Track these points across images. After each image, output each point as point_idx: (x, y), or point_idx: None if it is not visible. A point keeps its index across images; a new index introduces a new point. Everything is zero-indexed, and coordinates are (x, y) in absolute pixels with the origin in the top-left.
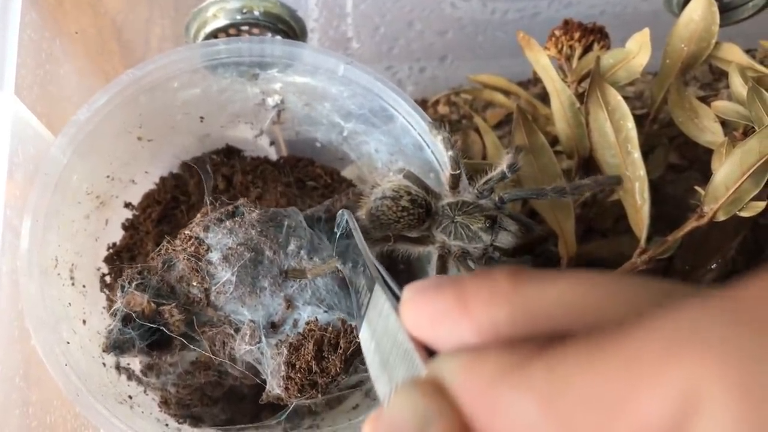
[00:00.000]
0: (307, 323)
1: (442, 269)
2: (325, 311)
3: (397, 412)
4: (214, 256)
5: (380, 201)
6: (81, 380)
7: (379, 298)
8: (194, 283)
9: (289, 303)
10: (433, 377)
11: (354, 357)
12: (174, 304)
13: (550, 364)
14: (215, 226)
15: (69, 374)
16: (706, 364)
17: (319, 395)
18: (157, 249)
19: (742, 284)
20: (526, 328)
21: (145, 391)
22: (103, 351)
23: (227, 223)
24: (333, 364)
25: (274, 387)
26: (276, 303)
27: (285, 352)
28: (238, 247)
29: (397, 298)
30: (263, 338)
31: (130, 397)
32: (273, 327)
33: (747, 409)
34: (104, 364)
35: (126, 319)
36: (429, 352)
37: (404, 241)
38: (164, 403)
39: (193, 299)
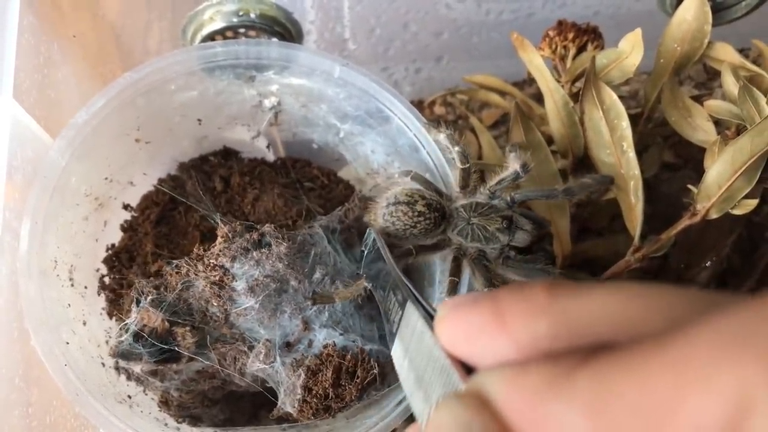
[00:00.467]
0: (325, 347)
1: (457, 270)
2: (341, 333)
3: (440, 426)
4: (239, 285)
5: (394, 207)
6: (80, 380)
7: (412, 315)
8: (214, 303)
9: (306, 325)
10: (476, 391)
11: (370, 386)
12: (188, 328)
13: (596, 374)
14: (242, 257)
15: (68, 374)
16: (757, 368)
17: (330, 417)
18: (175, 266)
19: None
20: (566, 340)
21: (144, 391)
22: (110, 355)
23: (254, 254)
24: (349, 392)
25: (287, 405)
26: (293, 324)
27: (303, 375)
28: (265, 279)
29: (429, 315)
30: (278, 357)
31: (129, 397)
32: (288, 346)
33: None
34: (103, 364)
35: (137, 336)
36: (466, 369)
37: (425, 250)
38: (164, 404)
39: (211, 317)
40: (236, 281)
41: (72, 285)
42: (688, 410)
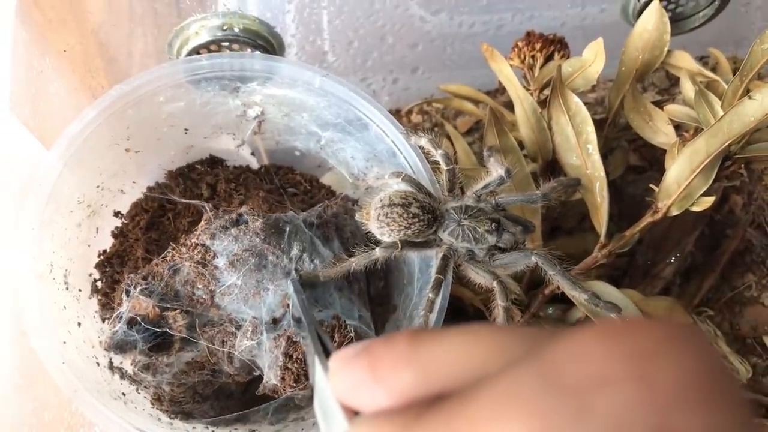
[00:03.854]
0: None
1: (444, 269)
2: (320, 310)
3: None
4: (221, 261)
5: (389, 209)
6: (77, 378)
7: (317, 366)
8: (199, 285)
9: (288, 304)
10: None
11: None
12: (178, 310)
13: (425, 428)
14: (221, 234)
15: (66, 372)
16: (526, 422)
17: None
18: (162, 256)
19: (555, 343)
20: (425, 388)
21: (137, 390)
22: (105, 349)
23: (232, 231)
24: None
25: (271, 378)
26: (277, 301)
27: (283, 344)
28: (244, 253)
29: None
30: (264, 332)
31: (124, 394)
32: (274, 322)
33: None
34: (98, 364)
35: (131, 323)
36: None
37: (411, 246)
38: (157, 401)
39: (198, 300)
40: (217, 258)
41: (67, 288)
42: None
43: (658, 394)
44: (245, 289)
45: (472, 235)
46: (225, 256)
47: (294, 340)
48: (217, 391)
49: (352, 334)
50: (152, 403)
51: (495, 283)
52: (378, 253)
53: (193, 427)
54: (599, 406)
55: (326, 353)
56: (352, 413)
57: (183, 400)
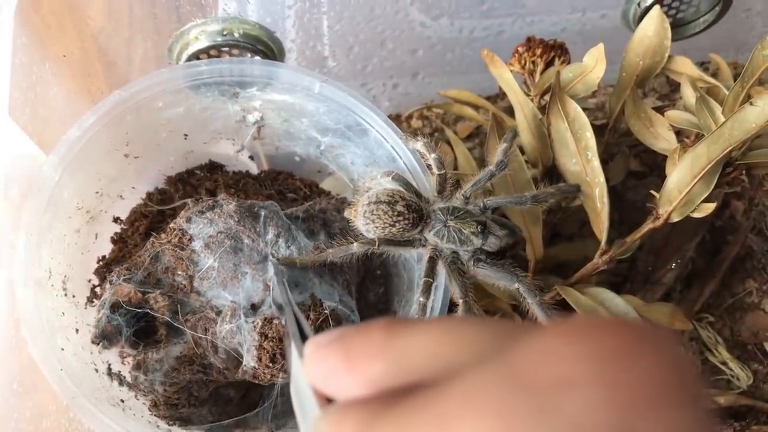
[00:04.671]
0: None
1: (431, 271)
2: (300, 293)
3: None
4: (197, 244)
5: (375, 206)
6: (75, 384)
7: (293, 350)
8: (179, 272)
9: (267, 286)
10: (315, 429)
11: (323, 326)
12: (159, 291)
13: (393, 420)
14: (197, 218)
15: (64, 379)
16: (489, 421)
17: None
18: (144, 245)
19: (522, 341)
20: (397, 379)
21: (136, 396)
22: (92, 342)
23: (207, 214)
24: None
25: (249, 361)
26: (255, 286)
27: (259, 323)
28: (219, 235)
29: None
30: (243, 316)
31: (122, 401)
32: (253, 308)
33: None
34: (96, 370)
35: (114, 307)
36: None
37: (390, 244)
38: (154, 406)
39: (178, 286)
40: (194, 241)
41: (65, 294)
42: None
43: (620, 396)
44: (223, 273)
45: (457, 236)
46: (201, 239)
47: (269, 319)
48: (215, 395)
49: (327, 312)
50: (150, 410)
51: (461, 301)
52: (355, 247)
53: None
54: (562, 406)
55: (303, 338)
56: (326, 400)
57: (179, 403)
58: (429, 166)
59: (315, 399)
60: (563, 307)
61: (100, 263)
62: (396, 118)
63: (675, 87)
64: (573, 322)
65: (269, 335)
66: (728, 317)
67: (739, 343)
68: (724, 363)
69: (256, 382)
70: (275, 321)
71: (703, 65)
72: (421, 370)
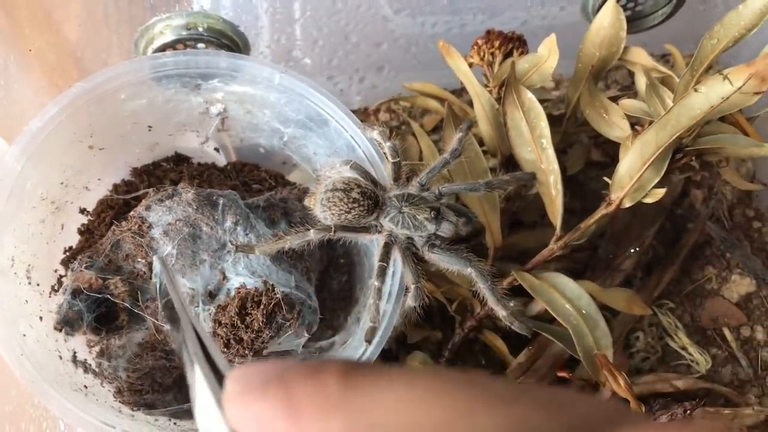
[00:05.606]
0: (237, 289)
1: (386, 256)
2: (255, 280)
3: None
4: (156, 232)
5: (331, 193)
6: (36, 369)
7: (201, 383)
8: (139, 258)
9: (223, 275)
10: None
11: (275, 312)
12: (119, 278)
13: None
14: (156, 206)
15: (24, 363)
16: None
17: (247, 351)
18: (107, 234)
19: None
20: None
21: (101, 384)
22: (55, 328)
23: (167, 202)
24: (256, 318)
25: None
26: (213, 275)
27: (212, 310)
28: (177, 222)
29: (217, 375)
30: (201, 304)
31: (86, 387)
32: (210, 296)
33: None
34: (60, 357)
35: (75, 293)
36: None
37: (347, 230)
38: (119, 393)
39: (138, 273)
40: (153, 229)
41: (29, 283)
42: None
43: None
44: (182, 260)
45: (411, 222)
46: (160, 227)
47: (223, 306)
48: (179, 381)
49: (278, 296)
50: (114, 396)
51: (413, 286)
52: (312, 234)
53: (156, 419)
54: None
55: (208, 360)
56: None
57: (143, 389)
58: (385, 154)
59: None
60: (520, 293)
61: (67, 254)
62: (363, 112)
63: (635, 78)
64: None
65: (222, 322)
66: (688, 303)
67: (698, 328)
68: (684, 348)
69: None
70: (228, 308)
71: (664, 57)
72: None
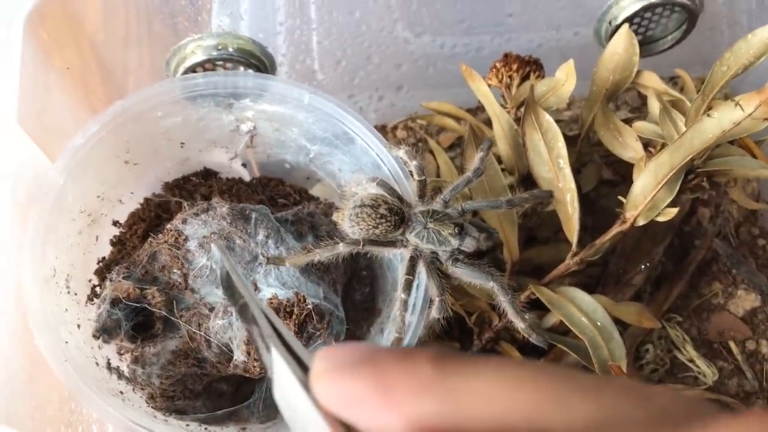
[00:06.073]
0: (269, 300)
1: (412, 270)
2: (285, 291)
3: None
4: (192, 244)
5: (360, 209)
6: (78, 375)
7: (281, 364)
8: (175, 269)
9: (255, 285)
10: None
11: (307, 322)
12: (156, 288)
13: None
14: (192, 219)
15: (68, 370)
16: None
17: None
18: (143, 246)
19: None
20: (456, 421)
21: (133, 389)
22: (93, 336)
23: (202, 216)
24: (288, 327)
25: (239, 355)
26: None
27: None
28: (212, 235)
29: (298, 361)
30: (233, 313)
31: (122, 393)
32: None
33: None
34: (97, 363)
35: (114, 302)
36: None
37: (374, 244)
38: (151, 399)
39: (173, 284)
40: (189, 241)
41: (68, 292)
42: None
43: None
44: (215, 271)
45: (436, 237)
46: (196, 239)
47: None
48: (208, 389)
49: (310, 307)
50: (147, 402)
51: (437, 299)
52: (341, 247)
53: (187, 425)
54: None
55: (279, 337)
56: (337, 423)
57: (174, 395)
58: (411, 173)
59: (327, 425)
60: (537, 306)
61: (100, 264)
62: (381, 129)
63: (645, 100)
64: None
65: None
66: (695, 317)
67: (705, 341)
68: (692, 360)
69: (247, 375)
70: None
71: (672, 80)
72: (490, 419)
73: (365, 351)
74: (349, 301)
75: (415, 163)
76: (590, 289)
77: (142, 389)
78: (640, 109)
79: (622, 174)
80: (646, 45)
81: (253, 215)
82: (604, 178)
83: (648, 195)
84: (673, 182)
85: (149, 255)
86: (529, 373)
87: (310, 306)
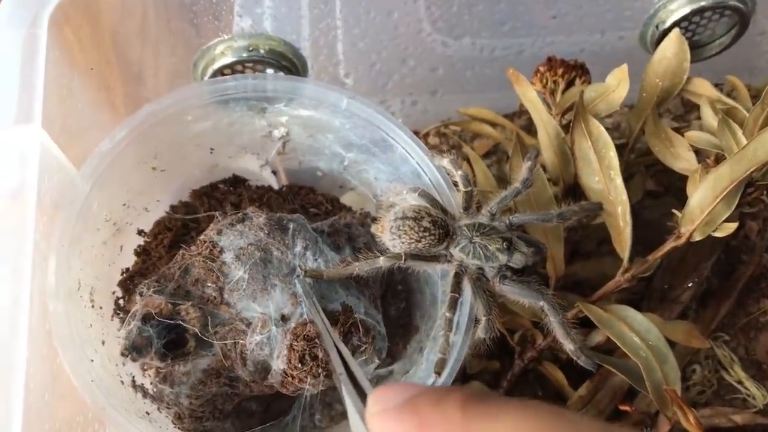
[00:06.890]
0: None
1: (457, 287)
2: (329, 304)
3: None
4: (228, 256)
5: (402, 221)
6: (104, 395)
7: (348, 397)
8: (209, 283)
9: (294, 299)
10: None
11: (352, 332)
12: (190, 303)
13: None
14: (227, 230)
15: (94, 390)
16: None
17: (320, 371)
18: (174, 258)
19: None
20: None
21: (159, 409)
22: (122, 354)
23: (238, 226)
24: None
25: (279, 365)
26: (285, 299)
27: (292, 326)
28: (249, 246)
29: (359, 391)
30: (274, 327)
31: (148, 413)
32: (283, 319)
33: None
34: (122, 382)
35: (146, 318)
36: None
37: (416, 258)
38: (178, 419)
39: (208, 298)
40: (224, 253)
41: (93, 306)
42: None
43: None
44: (253, 284)
45: (482, 252)
46: (231, 251)
47: (304, 323)
48: (238, 409)
49: (356, 317)
50: (174, 422)
51: (483, 319)
52: (382, 261)
53: None
54: None
55: (350, 377)
56: None
57: (203, 416)
58: (455, 183)
59: None
60: (584, 324)
61: (124, 275)
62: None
63: (689, 108)
64: None
65: (301, 334)
66: (743, 336)
67: (754, 362)
68: (740, 382)
69: (283, 391)
70: (309, 324)
71: (717, 86)
72: None
73: (407, 392)
74: (384, 316)
75: (460, 173)
76: (634, 306)
77: (168, 408)
78: (683, 117)
79: (666, 185)
80: (693, 50)
81: (291, 225)
82: (648, 190)
83: (705, 209)
84: (732, 196)
85: (181, 268)
86: (549, 421)
87: (356, 316)
